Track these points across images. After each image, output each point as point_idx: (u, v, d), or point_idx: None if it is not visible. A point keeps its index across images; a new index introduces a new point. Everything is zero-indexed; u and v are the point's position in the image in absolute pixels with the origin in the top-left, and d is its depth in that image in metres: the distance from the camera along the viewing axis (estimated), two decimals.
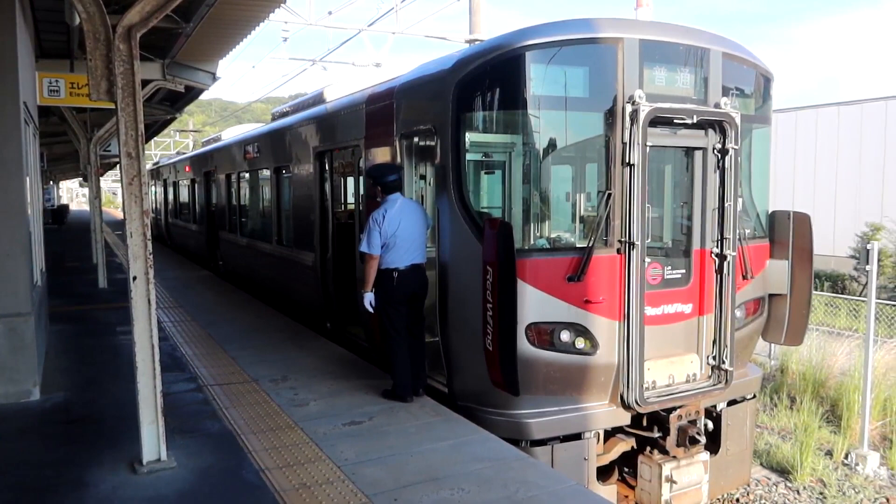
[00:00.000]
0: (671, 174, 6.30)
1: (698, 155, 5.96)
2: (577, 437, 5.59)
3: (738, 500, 7.56)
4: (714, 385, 5.99)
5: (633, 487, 6.14)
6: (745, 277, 6.26)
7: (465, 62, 5.74)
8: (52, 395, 6.17)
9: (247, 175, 12.77)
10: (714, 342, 6.03)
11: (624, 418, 5.79)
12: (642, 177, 5.43)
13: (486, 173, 6.45)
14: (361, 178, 7.55)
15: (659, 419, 5.89)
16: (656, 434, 5.92)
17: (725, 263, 5.93)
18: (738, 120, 5.83)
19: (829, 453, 8.63)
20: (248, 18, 8.46)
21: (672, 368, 5.85)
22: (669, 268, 5.91)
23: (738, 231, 5.99)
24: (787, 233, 6.57)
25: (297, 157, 9.59)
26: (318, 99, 9.63)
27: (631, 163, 5.44)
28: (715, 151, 5.92)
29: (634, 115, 5.39)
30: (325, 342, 8.19)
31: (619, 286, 5.55)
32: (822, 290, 18.14)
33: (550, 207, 5.86)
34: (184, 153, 25.51)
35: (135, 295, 4.31)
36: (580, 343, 5.47)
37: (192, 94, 13.05)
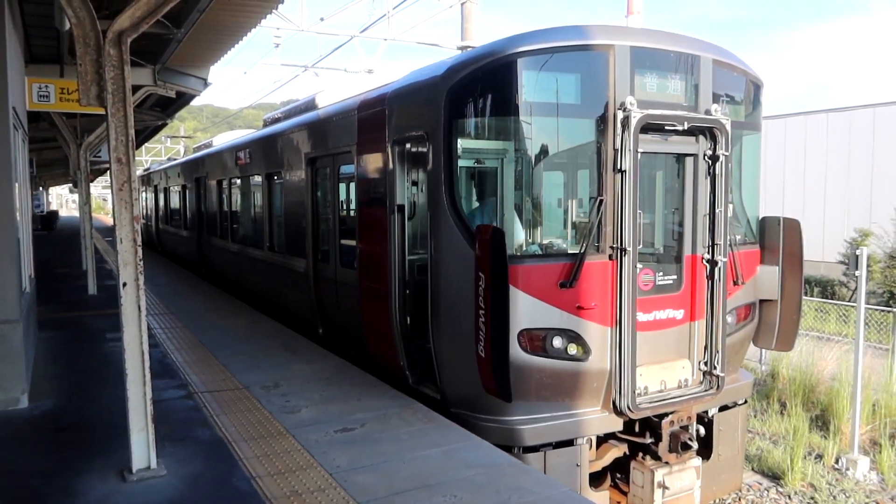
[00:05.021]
0: (662, 180, 6.32)
1: (689, 161, 5.99)
2: (569, 443, 5.59)
3: None
4: (706, 391, 6.01)
5: (625, 493, 6.14)
6: (735, 283, 6.29)
7: (457, 69, 5.75)
8: (41, 403, 6.12)
9: (238, 181, 12.74)
10: (705, 348, 6.05)
11: (616, 424, 5.79)
12: (634, 183, 5.46)
13: (478, 180, 6.45)
14: (353, 185, 7.55)
15: (651, 425, 5.89)
16: (648, 440, 5.93)
17: (716, 269, 5.96)
18: (728, 126, 5.86)
19: (820, 457, 8.66)
20: (239, 24, 8.46)
21: (664, 374, 5.86)
22: (661, 274, 5.93)
23: (728, 237, 6.02)
24: (777, 239, 6.60)
25: (288, 164, 9.57)
26: (310, 105, 9.62)
27: (622, 169, 5.46)
28: (706, 158, 5.95)
29: (626, 122, 5.42)
30: (316, 348, 8.16)
31: (611, 292, 5.56)
32: (811, 296, 18.25)
33: (542, 214, 5.87)
34: (175, 159, 25.40)
35: (125, 301, 4.28)
36: (572, 349, 5.48)
37: (183, 99, 13.04)
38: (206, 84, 10.68)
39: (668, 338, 5.93)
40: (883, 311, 13.44)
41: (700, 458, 6.15)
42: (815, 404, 10.13)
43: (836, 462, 8.51)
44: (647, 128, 5.53)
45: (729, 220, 6.00)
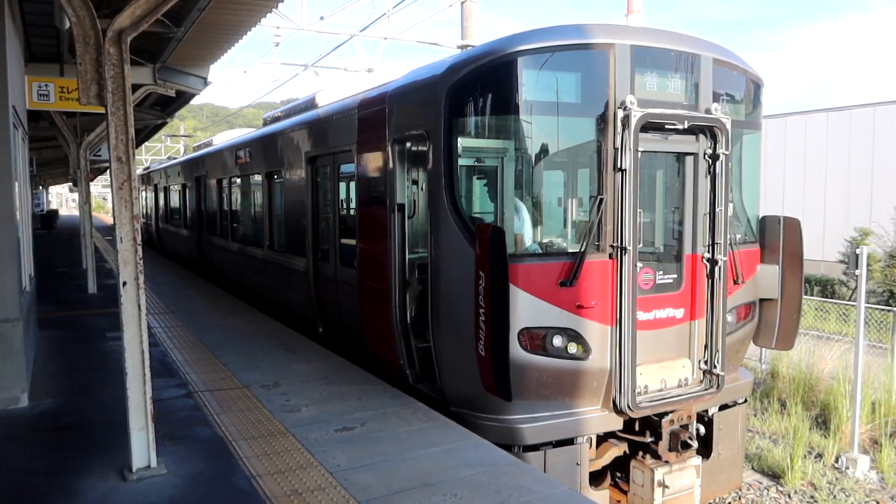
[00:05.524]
0: (662, 179, 6.32)
1: (689, 160, 5.99)
2: (569, 442, 5.59)
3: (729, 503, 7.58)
4: (706, 389, 6.01)
5: (625, 492, 6.15)
6: (735, 282, 6.29)
7: (457, 67, 5.74)
8: (41, 402, 6.12)
9: (238, 180, 12.74)
10: (706, 347, 6.05)
11: (616, 423, 5.79)
12: (634, 182, 5.45)
13: (478, 178, 6.45)
14: (353, 184, 7.55)
15: (651, 424, 5.89)
16: (649, 439, 5.93)
17: (716, 268, 5.95)
18: (728, 125, 5.86)
19: (820, 456, 8.66)
20: (239, 23, 8.46)
21: (664, 373, 5.86)
22: (661, 273, 5.93)
23: (728, 236, 6.01)
24: (777, 238, 6.60)
25: (289, 162, 9.57)
26: (310, 104, 9.61)
27: (622, 168, 5.46)
28: (706, 157, 5.95)
29: (626, 121, 5.41)
30: (316, 347, 8.16)
31: (612, 291, 5.56)
32: (811, 295, 18.26)
33: (543, 212, 5.87)
34: (175, 158, 25.41)
35: (125, 300, 4.28)
36: (572, 348, 5.48)
37: (183, 98, 13.03)
38: (205, 83, 10.68)
39: (668, 337, 5.92)
40: (883, 310, 13.42)
41: (700, 457, 6.15)
42: (815, 403, 10.13)
43: (836, 461, 8.51)
44: (648, 127, 5.53)
45: (729, 219, 6.00)
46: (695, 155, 5.96)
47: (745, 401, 6.79)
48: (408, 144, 6.38)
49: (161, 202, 21.89)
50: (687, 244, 6.02)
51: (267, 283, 11.06)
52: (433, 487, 4.34)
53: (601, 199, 5.51)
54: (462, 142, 5.73)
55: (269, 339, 8.62)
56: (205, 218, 15.26)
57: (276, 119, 11.12)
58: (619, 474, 6.22)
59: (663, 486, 5.82)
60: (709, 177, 5.95)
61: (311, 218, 8.68)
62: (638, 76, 5.58)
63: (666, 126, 5.65)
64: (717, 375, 5.97)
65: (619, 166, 5.47)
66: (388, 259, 6.46)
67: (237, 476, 4.53)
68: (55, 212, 40.18)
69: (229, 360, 7.55)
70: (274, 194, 10.51)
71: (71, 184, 43.61)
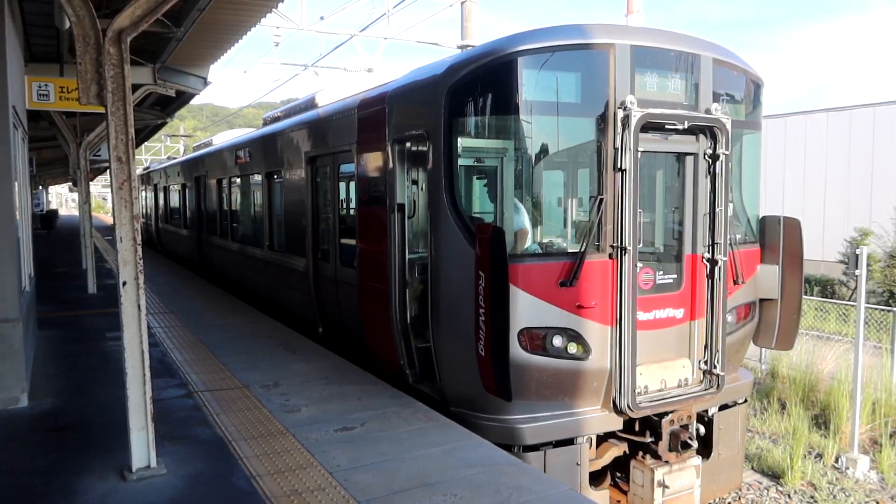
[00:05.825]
0: (662, 179, 6.32)
1: (689, 160, 5.99)
2: (569, 442, 5.59)
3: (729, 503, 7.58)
4: (706, 390, 6.01)
5: (625, 492, 6.15)
6: (735, 282, 6.29)
7: (457, 67, 5.74)
8: (41, 402, 6.12)
9: (238, 180, 12.74)
10: (706, 347, 6.05)
11: (616, 423, 5.79)
12: (634, 182, 5.46)
13: (478, 178, 6.46)
14: (353, 184, 7.55)
15: (651, 424, 5.90)
16: (649, 439, 5.93)
17: (716, 268, 5.96)
18: (728, 125, 5.86)
19: (820, 457, 8.66)
20: (239, 23, 8.47)
21: (664, 373, 5.86)
22: (661, 273, 5.93)
23: (728, 236, 6.01)
24: (777, 238, 6.60)
25: (288, 162, 9.57)
26: (310, 104, 9.61)
27: (622, 168, 5.46)
28: (706, 157, 5.95)
29: (626, 121, 5.41)
30: (316, 347, 8.16)
31: (612, 291, 5.56)
32: (811, 295, 18.27)
33: (543, 212, 5.86)
34: (174, 158, 25.41)
35: (124, 300, 4.28)
36: (572, 348, 5.48)
37: (183, 98, 13.04)
38: (205, 83, 10.69)
39: (668, 337, 5.93)
40: (883, 310, 13.42)
41: (700, 457, 6.15)
42: (815, 403, 10.13)
43: (836, 461, 8.51)
44: (648, 127, 5.53)
45: (729, 219, 6.00)
46: (695, 155, 5.96)
47: (745, 401, 6.79)
48: (408, 144, 6.38)
49: (161, 202, 21.88)
50: (687, 244, 6.02)
51: (267, 283, 11.06)
52: (433, 487, 4.34)
53: (601, 199, 5.51)
54: (462, 142, 5.73)
55: (268, 339, 8.62)
56: (204, 218, 15.26)
57: (275, 119, 11.12)
58: (619, 474, 6.22)
59: (663, 486, 5.82)
60: (709, 177, 5.95)
61: (311, 218, 8.68)
62: (638, 76, 5.58)
63: (666, 126, 5.65)
64: (717, 375, 5.97)
65: (619, 166, 5.47)
66: (388, 259, 6.46)
67: (237, 476, 4.53)
68: (55, 212, 40.17)
69: (229, 360, 7.55)
70: (274, 194, 10.51)
71: (71, 184, 43.62)
